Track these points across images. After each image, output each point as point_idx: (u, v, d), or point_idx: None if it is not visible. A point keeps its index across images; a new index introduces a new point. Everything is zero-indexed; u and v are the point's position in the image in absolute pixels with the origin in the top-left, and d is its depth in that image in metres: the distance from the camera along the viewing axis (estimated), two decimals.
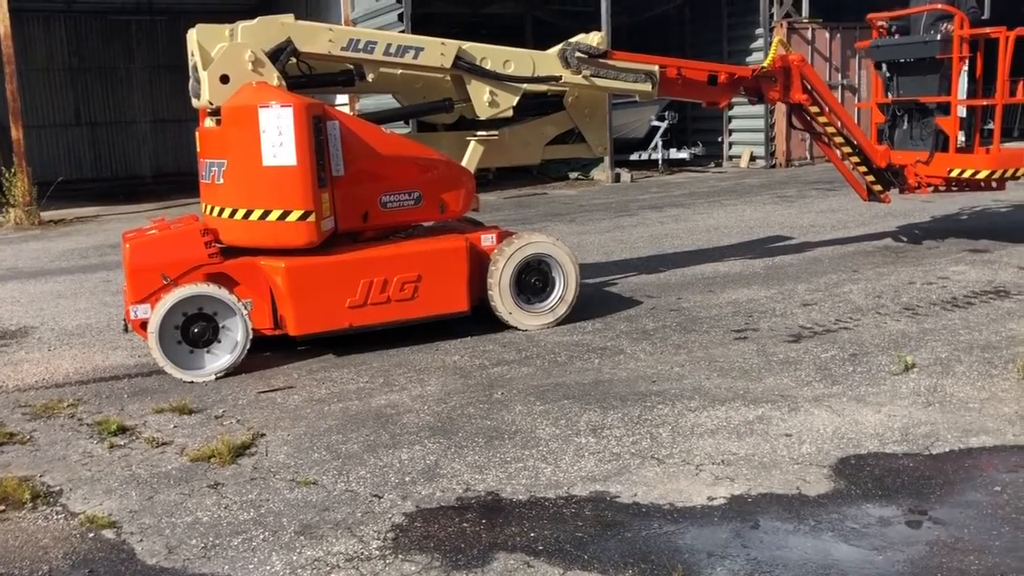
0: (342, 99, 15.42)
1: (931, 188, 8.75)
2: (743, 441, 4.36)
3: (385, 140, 6.37)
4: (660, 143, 19.35)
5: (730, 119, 20.44)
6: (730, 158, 20.43)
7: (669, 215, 12.55)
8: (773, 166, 19.11)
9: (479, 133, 6.95)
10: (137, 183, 22.08)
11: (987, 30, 8.31)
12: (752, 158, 19.64)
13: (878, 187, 8.77)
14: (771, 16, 18.78)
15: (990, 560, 3.20)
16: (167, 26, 21.92)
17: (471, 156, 6.90)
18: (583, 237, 10.89)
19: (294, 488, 4.07)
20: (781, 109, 19.13)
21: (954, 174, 8.34)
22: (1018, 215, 11.09)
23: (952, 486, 3.81)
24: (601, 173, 18.01)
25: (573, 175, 18.54)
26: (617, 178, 17.82)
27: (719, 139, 20.63)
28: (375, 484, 4.06)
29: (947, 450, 4.17)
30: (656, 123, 19.36)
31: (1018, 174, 8.41)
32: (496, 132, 7.11)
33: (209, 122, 6.24)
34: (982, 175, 8.26)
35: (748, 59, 18.87)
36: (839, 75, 19.05)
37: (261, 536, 3.64)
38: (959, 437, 4.30)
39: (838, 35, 19.02)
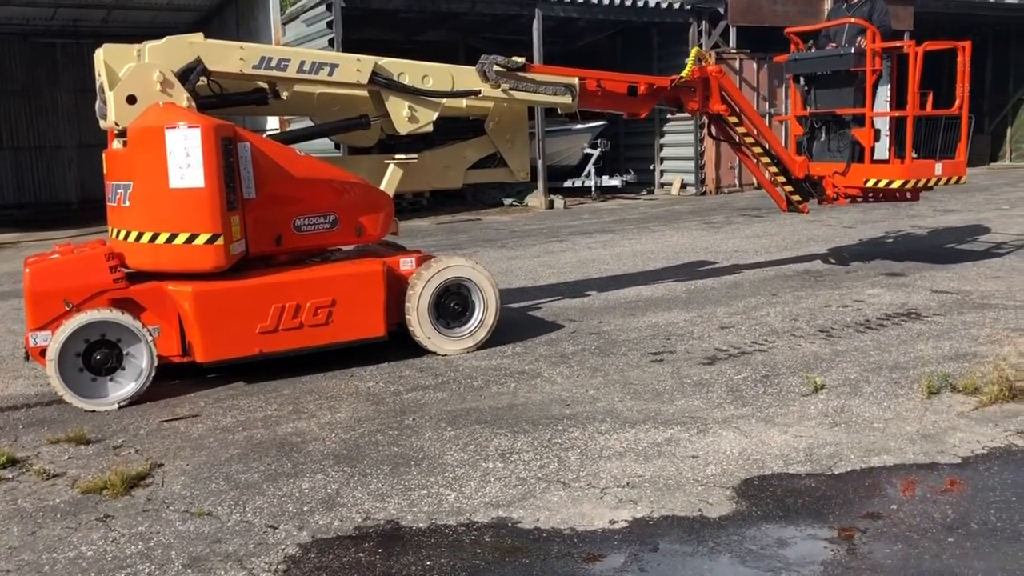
0: (273, 123, 15.31)
1: (848, 199, 8.94)
2: (650, 463, 4.34)
3: (299, 162, 6.28)
4: (593, 170, 19.52)
5: (662, 147, 20.78)
6: (661, 185, 20.72)
7: (598, 241, 12.62)
8: (703, 193, 19.42)
9: (398, 156, 6.89)
10: (62, 209, 21.48)
11: (898, 43, 8.57)
12: (683, 185, 19.94)
13: (796, 197, 8.93)
14: (700, 46, 19.15)
15: None
16: (93, 50, 21.47)
17: (390, 179, 6.84)
18: (512, 262, 10.88)
19: (187, 519, 3.92)
20: (711, 139, 19.51)
21: (870, 184, 8.54)
22: (934, 239, 11.40)
23: (851, 505, 3.83)
24: (535, 199, 18.11)
25: (507, 201, 18.61)
26: (550, 204, 17.93)
27: (651, 167, 20.92)
28: (272, 514, 3.94)
29: (849, 470, 4.19)
30: (589, 151, 19.54)
31: (930, 183, 8.66)
32: (415, 156, 7.07)
33: (116, 144, 6.08)
34: (896, 185, 8.47)
35: None
36: (767, 104, 19.50)
37: (146, 570, 3.48)
38: (861, 457, 4.33)
39: (765, 65, 19.48)
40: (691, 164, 19.73)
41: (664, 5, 19.70)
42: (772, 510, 3.80)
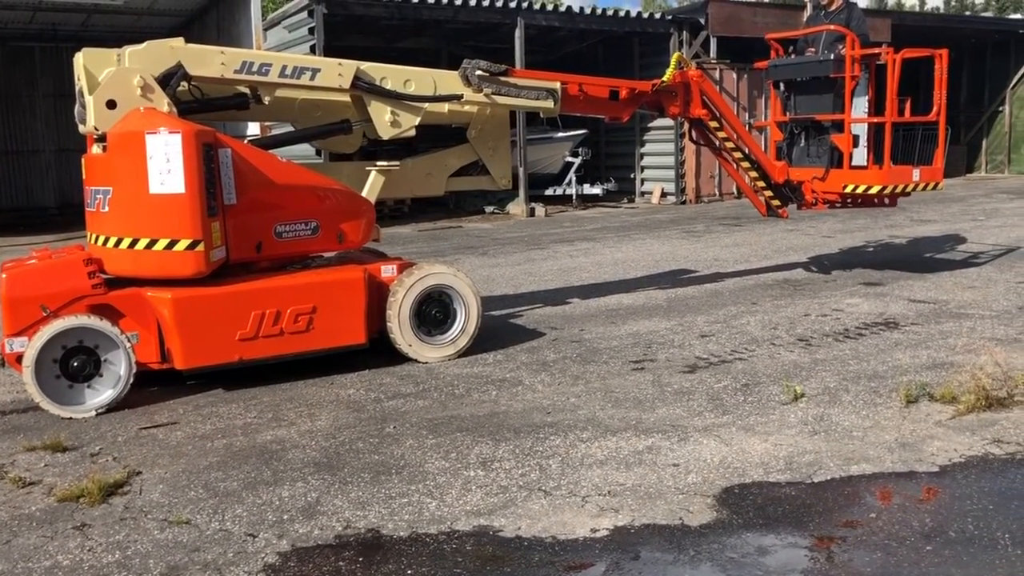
0: (253, 128, 15.21)
1: (827, 204, 9.00)
2: (631, 471, 4.34)
3: (281, 169, 6.25)
4: (574, 179, 19.60)
5: (642, 156, 20.89)
6: (642, 194, 20.82)
7: (579, 249, 12.65)
8: (683, 202, 19.53)
9: (379, 163, 6.88)
10: (40, 214, 21.28)
11: (876, 50, 8.66)
12: (663, 194, 20.05)
13: (776, 202, 8.99)
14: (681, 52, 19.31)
15: None
16: (73, 54, 21.28)
17: (371, 186, 6.82)
18: (493, 270, 10.88)
19: (165, 528, 3.88)
20: (691, 148, 19.64)
21: (848, 189, 8.61)
22: (911, 249, 11.51)
23: (830, 514, 3.85)
24: (516, 207, 18.14)
25: (489, 209, 18.63)
26: (532, 212, 17.96)
27: (631, 175, 21.02)
28: (251, 523, 3.91)
29: (828, 478, 4.22)
30: (570, 159, 19.61)
31: (908, 189, 8.74)
32: (397, 163, 7.06)
33: (96, 148, 6.04)
34: (874, 190, 8.54)
35: None
36: (746, 114, 19.64)
37: None
38: (841, 465, 4.36)
39: (745, 76, 19.65)
40: (671, 173, 19.86)
41: (645, 15, 19.83)
42: (752, 518, 3.81)
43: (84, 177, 6.07)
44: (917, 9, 42.52)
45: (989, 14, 40.25)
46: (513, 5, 17.75)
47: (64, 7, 17.69)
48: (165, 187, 5.54)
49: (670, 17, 20.06)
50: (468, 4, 17.49)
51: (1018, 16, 37.22)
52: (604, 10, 19.14)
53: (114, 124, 5.69)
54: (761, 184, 8.90)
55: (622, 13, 19.37)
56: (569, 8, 19.15)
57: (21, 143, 22.18)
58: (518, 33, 17.66)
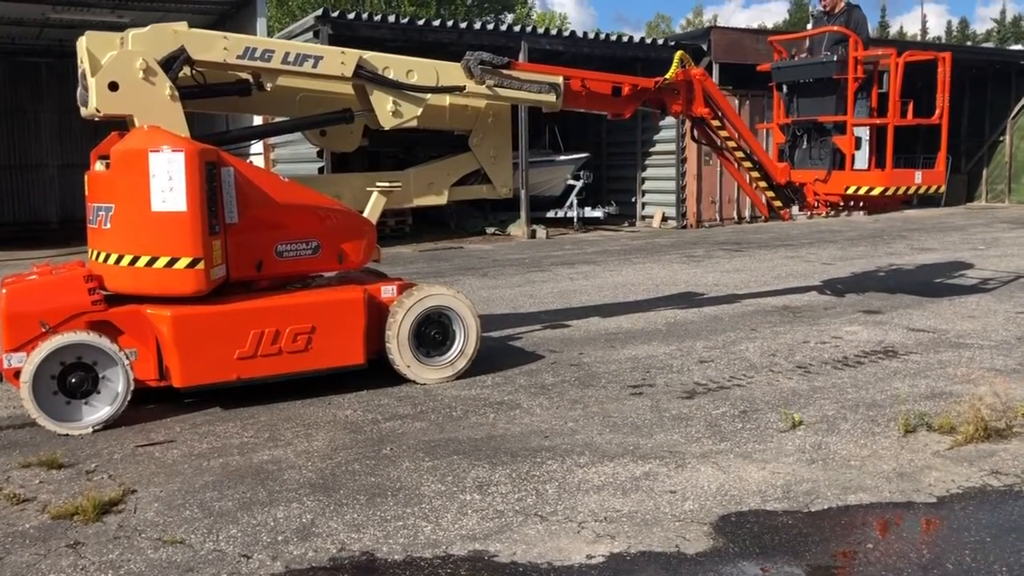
0: (257, 149, 15.31)
1: (829, 206, 8.98)
2: (628, 498, 4.33)
3: (283, 188, 6.27)
4: (575, 202, 19.65)
5: (643, 180, 20.96)
6: (643, 218, 20.88)
7: (580, 271, 12.67)
8: (684, 227, 19.58)
9: (380, 184, 6.90)
10: (42, 228, 21.36)
11: (878, 51, 8.68)
12: (664, 218, 20.10)
13: (778, 203, 8.97)
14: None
15: None
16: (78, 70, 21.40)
17: (373, 206, 6.84)
18: (494, 291, 10.89)
19: (159, 547, 3.86)
20: (692, 173, 19.75)
21: (851, 191, 8.59)
22: (911, 278, 11.51)
23: (827, 543, 3.83)
24: (517, 229, 18.19)
25: (490, 230, 18.67)
26: (533, 234, 18.00)
27: (633, 199, 21.09)
28: (245, 543, 3.89)
29: (826, 507, 4.20)
30: (572, 182, 19.68)
31: (910, 191, 8.71)
32: (399, 183, 7.08)
33: (99, 165, 6.07)
34: (876, 192, 8.52)
35: (660, 122, 19.45)
36: None
37: None
38: (838, 494, 4.34)
39: (748, 102, 19.74)
40: (672, 197, 19.92)
41: (649, 41, 19.96)
42: (749, 547, 3.79)
43: (87, 193, 6.09)
44: (919, 39, 42.80)
45: (990, 45, 40.52)
46: (517, 29, 17.90)
47: (71, 24, 17.83)
48: (167, 205, 5.56)
49: (673, 43, 20.17)
50: (472, 27, 17.66)
51: (1019, 47, 37.48)
52: (607, 35, 19.30)
53: (116, 106, 5.68)
54: (763, 184, 8.87)
55: (625, 38, 19.53)
56: (573, 33, 19.27)
57: (25, 157, 22.29)
58: (522, 57, 17.74)
